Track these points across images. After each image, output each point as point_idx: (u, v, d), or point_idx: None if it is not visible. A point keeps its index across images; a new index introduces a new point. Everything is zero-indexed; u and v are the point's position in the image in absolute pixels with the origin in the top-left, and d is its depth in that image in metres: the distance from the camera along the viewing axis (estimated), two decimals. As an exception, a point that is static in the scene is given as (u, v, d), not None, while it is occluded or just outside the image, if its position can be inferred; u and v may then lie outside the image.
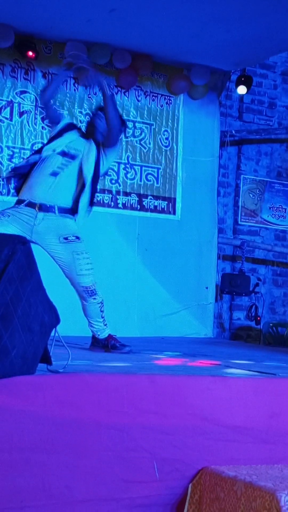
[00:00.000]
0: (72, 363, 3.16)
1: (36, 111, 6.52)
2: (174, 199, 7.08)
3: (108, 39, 6.36)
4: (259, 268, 7.75)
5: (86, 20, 5.91)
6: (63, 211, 4.41)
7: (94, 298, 4.39)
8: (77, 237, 4.37)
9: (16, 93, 6.44)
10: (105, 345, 4.53)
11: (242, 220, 7.66)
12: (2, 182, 6.35)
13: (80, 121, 6.70)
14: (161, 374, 3.21)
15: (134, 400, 2.85)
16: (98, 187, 6.70)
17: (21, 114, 6.46)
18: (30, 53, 6.32)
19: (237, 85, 7.21)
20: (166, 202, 7.04)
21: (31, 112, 6.50)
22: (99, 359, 3.96)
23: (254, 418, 3.08)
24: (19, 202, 4.45)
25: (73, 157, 4.47)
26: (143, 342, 5.68)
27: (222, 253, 7.54)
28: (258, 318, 7.50)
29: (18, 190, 4.54)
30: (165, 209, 7.02)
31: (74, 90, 6.69)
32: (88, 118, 6.71)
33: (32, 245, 2.96)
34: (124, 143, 6.85)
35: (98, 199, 6.73)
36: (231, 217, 7.66)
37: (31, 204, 4.37)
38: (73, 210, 4.44)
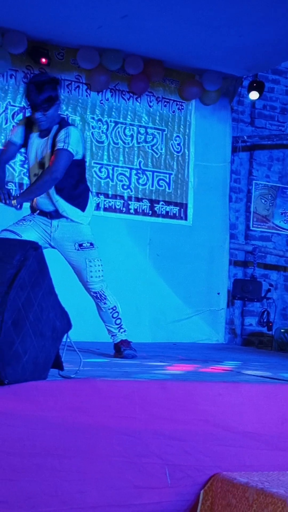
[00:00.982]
0: (84, 369, 3.16)
1: (48, 117, 6.53)
2: (186, 204, 7.09)
3: (120, 45, 6.38)
4: (271, 274, 7.73)
5: (98, 26, 5.94)
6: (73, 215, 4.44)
7: (105, 303, 4.46)
8: (91, 244, 4.43)
9: (28, 99, 6.46)
10: (118, 350, 4.56)
11: (254, 225, 7.65)
12: (14, 188, 6.37)
13: (92, 126, 6.72)
14: (172, 380, 3.20)
15: (145, 406, 2.84)
16: (110, 192, 6.79)
17: (33, 120, 6.47)
18: (43, 60, 6.35)
19: (249, 91, 7.21)
20: (178, 208, 7.04)
21: (43, 118, 6.51)
22: (110, 365, 3.96)
23: (266, 424, 3.07)
24: (33, 210, 4.50)
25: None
26: (155, 347, 5.67)
27: (234, 258, 7.53)
28: (270, 324, 7.47)
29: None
30: (177, 215, 7.03)
31: (86, 96, 6.71)
32: (100, 124, 6.75)
33: (44, 250, 2.97)
34: (136, 148, 6.86)
35: (110, 204, 6.74)
36: (243, 223, 7.65)
37: (43, 213, 4.42)
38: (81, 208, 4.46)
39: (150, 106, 6.97)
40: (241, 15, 5.59)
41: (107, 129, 6.78)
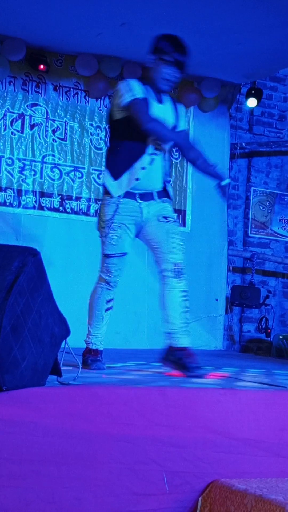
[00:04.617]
0: (82, 375, 3.16)
1: (47, 124, 6.55)
2: (184, 211, 7.09)
3: (119, 52, 6.39)
4: (269, 280, 7.74)
5: (97, 33, 5.95)
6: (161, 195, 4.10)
7: (179, 282, 3.89)
8: (175, 220, 4.12)
9: (27, 106, 6.48)
10: (178, 359, 3.85)
11: (252, 232, 7.66)
12: (13, 194, 6.38)
13: (91, 133, 6.73)
14: (171, 386, 3.20)
15: (144, 412, 2.84)
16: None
17: (32, 126, 6.50)
18: (41, 66, 6.37)
19: (247, 98, 7.23)
20: (176, 214, 7.01)
21: (42, 124, 6.53)
22: (109, 371, 3.96)
23: (264, 431, 3.06)
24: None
25: None
26: (153, 354, 5.66)
27: (232, 265, 7.54)
28: (269, 331, 7.48)
29: None
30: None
31: (85, 102, 6.72)
32: (98, 130, 6.75)
33: (43, 256, 2.97)
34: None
35: (109, 211, 6.74)
36: (241, 229, 7.66)
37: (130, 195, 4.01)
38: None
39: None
40: (239, 23, 5.61)
41: (105, 136, 6.78)
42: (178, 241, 4.00)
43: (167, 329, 3.92)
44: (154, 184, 4.04)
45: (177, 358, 3.85)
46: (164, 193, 4.09)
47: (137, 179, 3.95)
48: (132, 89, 3.90)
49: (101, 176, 6.76)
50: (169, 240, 3.97)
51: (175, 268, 3.90)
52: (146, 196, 4.01)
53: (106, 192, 4.04)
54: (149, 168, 3.99)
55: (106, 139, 6.79)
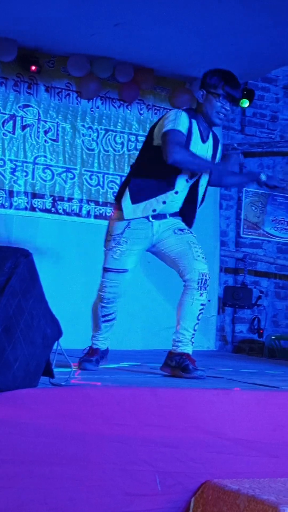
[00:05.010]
0: (75, 376, 3.16)
1: (39, 125, 6.54)
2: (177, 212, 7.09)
3: (111, 53, 6.39)
4: (261, 281, 7.75)
5: (90, 34, 5.95)
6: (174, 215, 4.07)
7: (201, 294, 3.85)
8: (191, 232, 4.04)
9: (19, 107, 6.47)
10: (178, 363, 3.82)
11: (244, 233, 7.67)
12: (5, 195, 6.37)
13: (83, 134, 6.73)
14: (164, 387, 3.20)
15: (137, 413, 2.84)
16: (100, 199, 6.79)
17: (23, 127, 6.49)
18: (33, 67, 6.36)
19: (239, 99, 7.24)
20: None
21: (33, 125, 6.53)
22: (101, 372, 3.96)
23: (257, 431, 3.07)
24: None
25: None
26: (147, 354, 5.66)
27: (225, 265, 7.54)
28: (261, 331, 7.49)
29: None
30: (168, 222, 7.02)
31: (77, 103, 6.72)
32: (90, 131, 6.75)
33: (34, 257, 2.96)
34: (126, 156, 6.87)
35: (101, 212, 6.75)
36: (233, 230, 7.67)
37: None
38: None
39: (140, 114, 6.98)
40: (231, 24, 5.62)
41: (97, 137, 6.79)
42: (201, 251, 3.95)
43: (175, 337, 3.92)
44: (171, 210, 4.01)
45: (177, 362, 3.84)
46: (176, 213, 4.05)
47: (154, 211, 3.90)
48: (177, 120, 3.83)
49: (93, 177, 6.76)
50: (192, 250, 3.91)
51: (201, 279, 3.84)
52: (159, 216, 3.97)
53: (119, 208, 3.97)
54: (175, 197, 3.95)
55: (98, 140, 6.78)
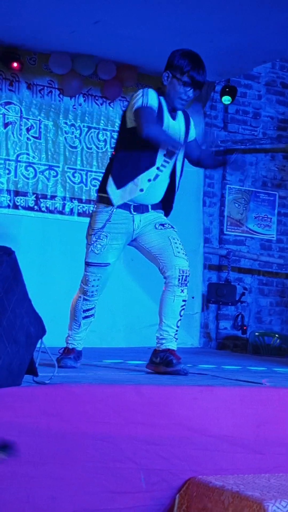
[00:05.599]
0: (58, 374, 3.15)
1: (21, 122, 6.52)
2: (160, 209, 7.09)
3: (92, 50, 6.38)
4: (245, 278, 7.77)
5: (70, 31, 5.94)
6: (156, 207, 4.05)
7: (182, 291, 3.88)
8: (172, 226, 4.02)
9: (0, 104, 6.45)
10: (162, 359, 3.85)
11: (227, 229, 7.68)
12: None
13: (66, 131, 6.71)
14: (147, 384, 3.20)
15: (120, 410, 2.84)
16: (84, 197, 6.78)
17: (6, 125, 6.46)
18: (15, 64, 6.34)
19: (221, 96, 7.25)
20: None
21: (16, 123, 6.50)
22: (84, 370, 3.95)
23: (241, 428, 3.07)
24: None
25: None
26: (129, 352, 5.66)
27: (208, 262, 7.56)
28: (245, 328, 7.51)
29: None
30: (151, 219, 7.02)
31: (59, 101, 6.70)
32: (73, 129, 6.74)
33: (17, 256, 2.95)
34: (109, 153, 6.86)
35: (84, 209, 6.74)
36: (216, 227, 7.68)
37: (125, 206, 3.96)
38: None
39: (123, 111, 6.96)
40: (211, 21, 5.63)
41: (80, 134, 6.77)
42: (181, 246, 3.95)
43: (158, 334, 3.94)
44: (153, 199, 4.00)
45: (161, 358, 3.86)
46: (158, 205, 4.04)
47: (141, 190, 3.87)
48: (145, 96, 3.84)
49: (76, 174, 6.75)
50: (172, 246, 3.92)
51: (181, 275, 3.86)
52: (141, 209, 3.96)
53: (101, 200, 3.97)
54: (154, 182, 3.93)
55: (80, 138, 6.77)
